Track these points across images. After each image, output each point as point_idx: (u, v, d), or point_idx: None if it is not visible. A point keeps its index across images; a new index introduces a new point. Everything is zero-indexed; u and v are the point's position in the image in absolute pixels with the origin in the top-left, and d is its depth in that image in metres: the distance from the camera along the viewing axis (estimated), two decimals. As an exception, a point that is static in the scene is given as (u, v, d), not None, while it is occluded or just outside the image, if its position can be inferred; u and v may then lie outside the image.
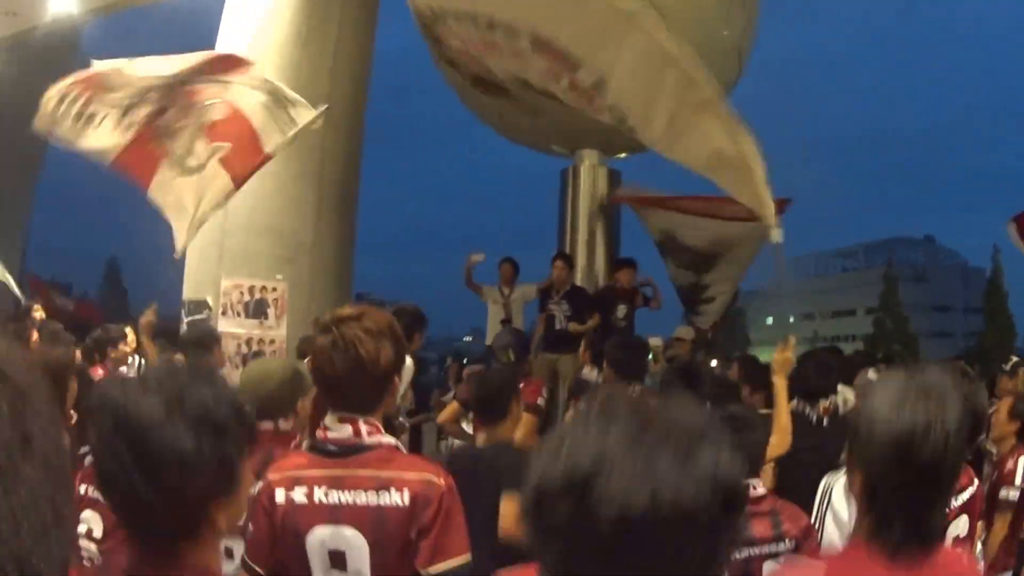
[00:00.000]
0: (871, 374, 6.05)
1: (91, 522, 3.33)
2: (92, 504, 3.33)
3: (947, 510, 2.03)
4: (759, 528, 3.17)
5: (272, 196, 8.22)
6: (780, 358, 4.64)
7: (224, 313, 8.22)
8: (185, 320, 8.37)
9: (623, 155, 10.83)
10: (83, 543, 3.32)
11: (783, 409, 4.55)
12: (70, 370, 3.95)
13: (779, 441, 4.37)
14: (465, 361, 13.20)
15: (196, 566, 1.52)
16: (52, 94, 5.68)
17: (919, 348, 50.91)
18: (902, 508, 1.77)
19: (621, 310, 9.42)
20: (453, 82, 9.95)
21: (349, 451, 2.35)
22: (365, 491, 2.31)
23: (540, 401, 5.78)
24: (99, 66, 5.76)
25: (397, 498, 2.29)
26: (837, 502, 3.27)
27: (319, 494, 2.31)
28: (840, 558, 1.91)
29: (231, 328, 8.18)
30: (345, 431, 2.37)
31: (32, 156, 19.23)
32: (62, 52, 18.62)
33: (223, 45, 8.63)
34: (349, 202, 9.21)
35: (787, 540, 3.17)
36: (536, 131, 10.30)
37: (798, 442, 4.51)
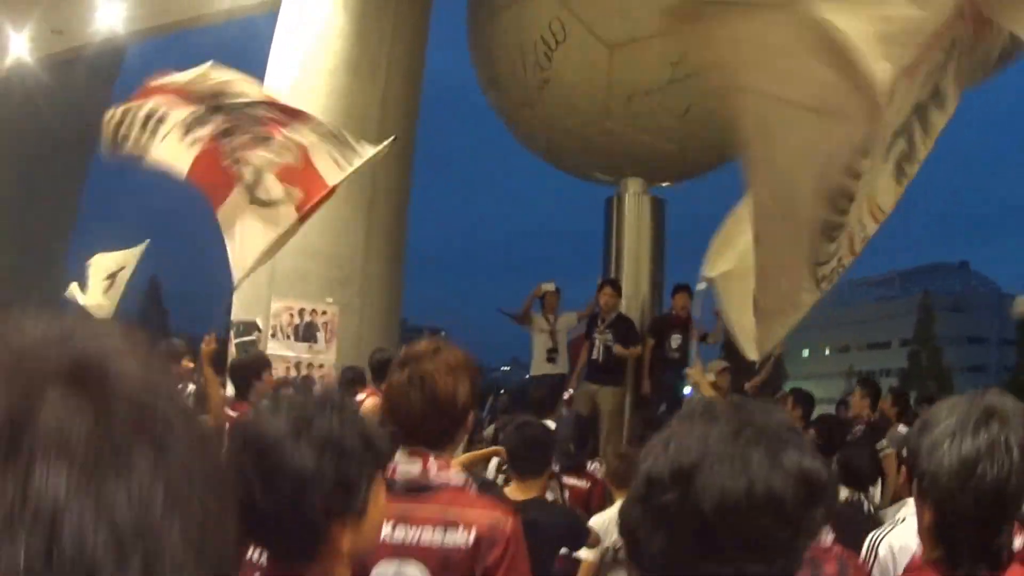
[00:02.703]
0: (901, 428, 6.00)
1: None
2: None
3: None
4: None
5: (323, 219, 8.21)
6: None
7: (274, 336, 8.24)
8: (234, 341, 8.41)
9: (667, 183, 10.79)
10: None
11: None
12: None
13: None
14: (502, 392, 13.06)
15: None
16: (114, 113, 5.70)
17: (952, 385, 50.12)
18: (970, 534, 1.78)
19: (675, 340, 9.17)
20: (498, 107, 9.99)
21: (418, 488, 2.33)
22: (431, 528, 2.28)
23: None
24: (161, 80, 5.79)
25: (463, 537, 2.27)
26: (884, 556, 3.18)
27: (386, 529, 2.26)
28: None
29: (280, 351, 8.21)
30: (415, 467, 2.34)
31: (76, 173, 19.50)
32: (108, 72, 19.00)
33: (273, 70, 8.73)
34: (399, 226, 9.26)
35: None
36: (581, 158, 10.32)
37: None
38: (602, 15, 8.47)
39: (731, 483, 1.16)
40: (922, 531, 1.91)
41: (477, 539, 2.26)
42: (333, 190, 5.88)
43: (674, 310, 9.45)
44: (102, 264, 9.44)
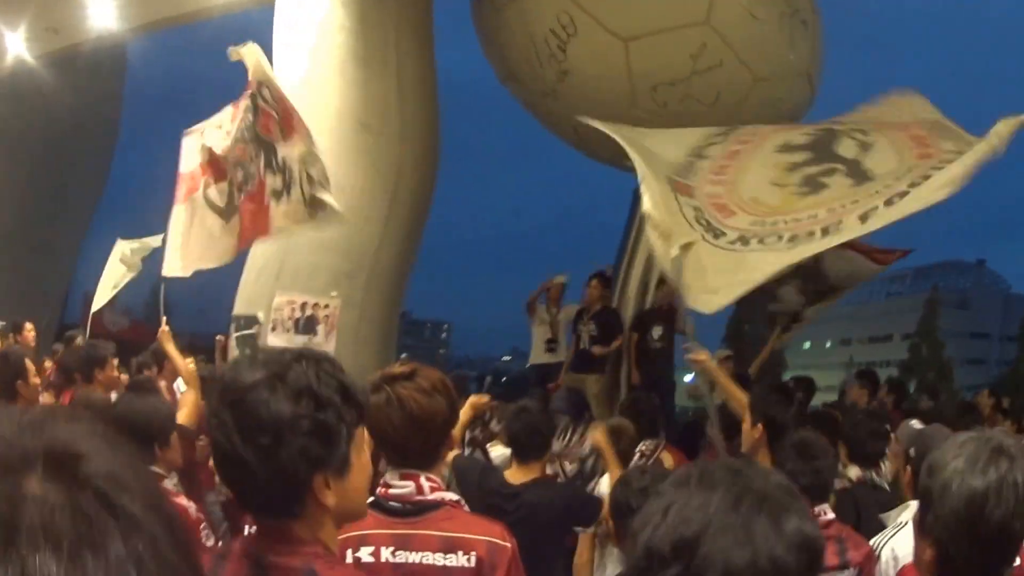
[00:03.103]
0: (915, 423, 6.02)
1: None
2: None
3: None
4: (827, 554, 3.18)
5: (344, 209, 8.21)
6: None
7: (274, 328, 8.24)
8: (234, 335, 8.42)
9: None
10: None
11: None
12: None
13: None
14: (504, 380, 13.19)
15: (308, 541, 1.57)
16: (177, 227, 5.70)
17: (953, 376, 50.23)
18: (973, 571, 1.81)
19: (656, 331, 9.24)
20: (521, 98, 9.95)
21: (413, 509, 2.37)
22: (432, 552, 2.32)
23: None
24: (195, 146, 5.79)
25: (464, 560, 2.31)
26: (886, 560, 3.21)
27: (386, 554, 2.32)
28: None
29: (280, 343, 8.17)
30: (407, 488, 2.38)
31: (94, 170, 19.46)
32: (113, 68, 19.01)
33: (280, 65, 8.67)
34: (419, 218, 9.19)
35: (851, 568, 3.23)
36: (610, 146, 10.25)
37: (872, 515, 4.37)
38: (610, 9, 8.39)
39: (735, 554, 1.16)
40: (920, 565, 1.93)
41: (479, 561, 2.32)
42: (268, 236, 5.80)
43: (656, 302, 9.53)
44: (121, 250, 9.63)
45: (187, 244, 6.27)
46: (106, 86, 18.46)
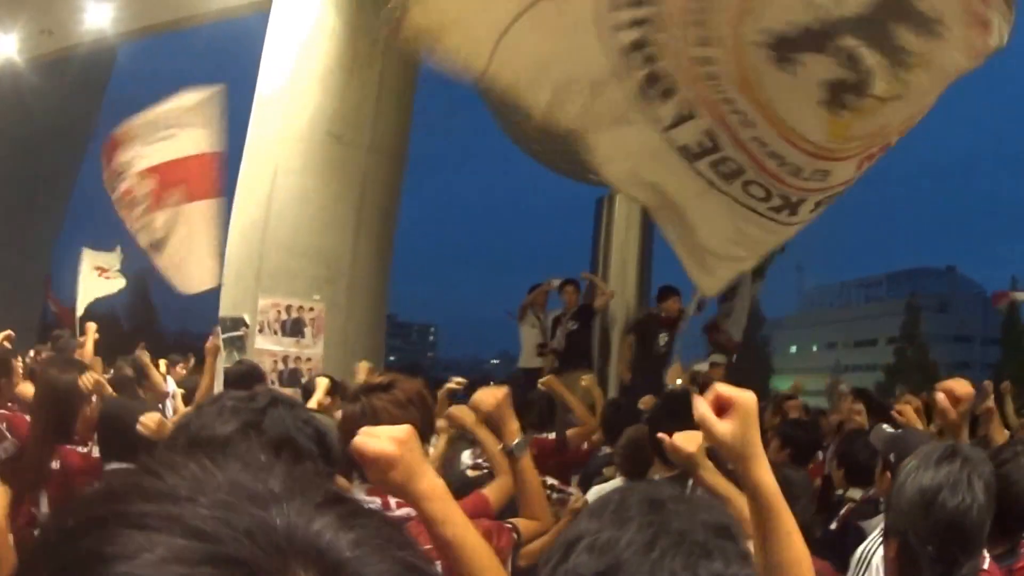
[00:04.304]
0: (886, 428, 6.03)
1: None
2: None
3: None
4: None
5: (313, 217, 8.37)
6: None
7: (261, 331, 8.33)
8: (221, 336, 8.48)
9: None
10: None
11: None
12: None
13: None
14: (490, 383, 13.20)
15: None
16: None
17: (939, 379, 50.35)
18: (929, 565, 1.85)
19: (662, 338, 9.40)
20: (493, 115, 10.06)
21: None
22: None
23: None
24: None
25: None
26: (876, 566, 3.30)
27: None
28: None
29: (268, 345, 8.30)
30: (374, 504, 2.30)
31: (65, 171, 19.50)
32: (99, 72, 19.01)
33: (265, 71, 8.76)
34: (388, 224, 9.33)
35: None
36: (574, 161, 10.39)
37: None
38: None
39: None
40: (887, 561, 1.98)
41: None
42: (218, 153, 5.93)
43: (663, 312, 9.61)
44: (92, 260, 9.92)
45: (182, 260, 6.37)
46: (87, 91, 18.51)
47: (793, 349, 66.04)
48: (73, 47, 12.27)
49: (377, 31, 8.96)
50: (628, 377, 9.25)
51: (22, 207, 17.50)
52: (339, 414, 2.80)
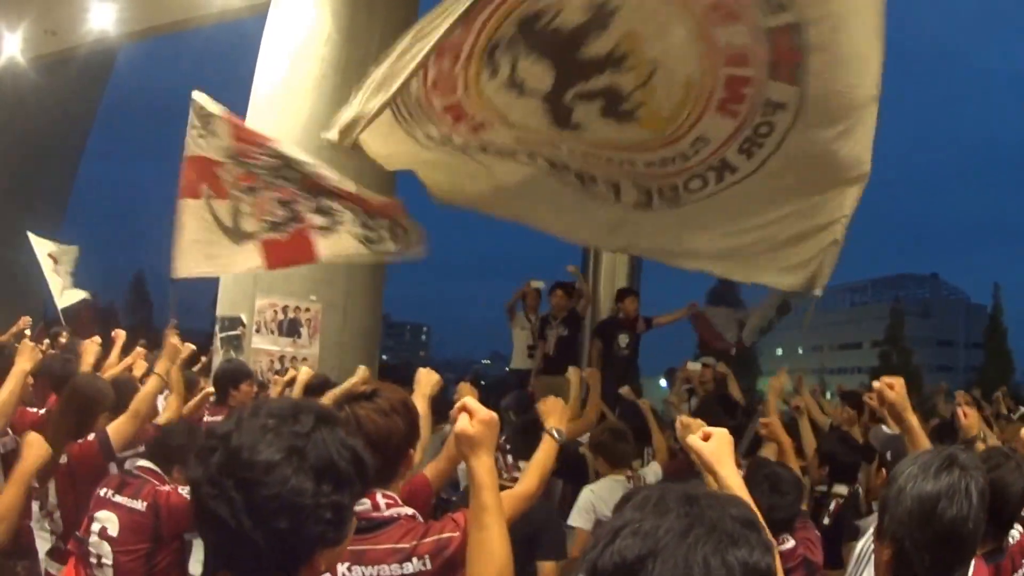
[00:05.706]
0: (885, 429, 6.16)
1: (107, 522, 3.55)
2: (109, 505, 3.58)
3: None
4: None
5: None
6: (775, 383, 5.30)
7: (258, 330, 8.49)
8: (219, 335, 8.65)
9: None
10: (95, 540, 3.54)
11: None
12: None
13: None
14: (482, 384, 13.33)
15: None
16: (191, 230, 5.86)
17: (922, 382, 50.76)
18: (926, 571, 1.91)
19: (623, 339, 9.53)
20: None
21: (368, 525, 2.34)
22: (387, 564, 2.32)
23: None
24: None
25: (420, 565, 2.32)
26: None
27: (342, 570, 2.30)
28: None
29: (265, 345, 8.47)
30: (364, 506, 2.34)
31: (66, 170, 19.54)
32: (99, 72, 19.07)
33: (261, 73, 8.90)
34: (382, 227, 9.44)
35: None
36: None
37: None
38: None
39: None
40: (879, 566, 2.03)
41: (433, 560, 2.33)
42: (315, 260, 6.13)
43: (622, 312, 9.81)
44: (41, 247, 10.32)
45: (187, 246, 6.40)
46: (87, 90, 18.57)
47: (779, 351, 66.33)
48: (75, 47, 12.36)
49: (371, 35, 9.13)
50: (595, 377, 9.41)
51: (22, 205, 17.53)
52: None
